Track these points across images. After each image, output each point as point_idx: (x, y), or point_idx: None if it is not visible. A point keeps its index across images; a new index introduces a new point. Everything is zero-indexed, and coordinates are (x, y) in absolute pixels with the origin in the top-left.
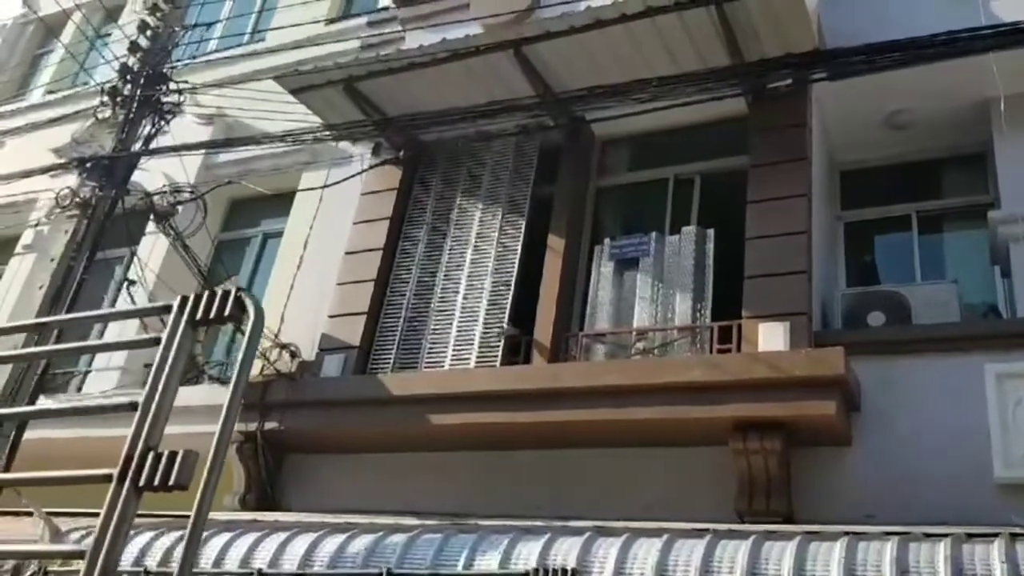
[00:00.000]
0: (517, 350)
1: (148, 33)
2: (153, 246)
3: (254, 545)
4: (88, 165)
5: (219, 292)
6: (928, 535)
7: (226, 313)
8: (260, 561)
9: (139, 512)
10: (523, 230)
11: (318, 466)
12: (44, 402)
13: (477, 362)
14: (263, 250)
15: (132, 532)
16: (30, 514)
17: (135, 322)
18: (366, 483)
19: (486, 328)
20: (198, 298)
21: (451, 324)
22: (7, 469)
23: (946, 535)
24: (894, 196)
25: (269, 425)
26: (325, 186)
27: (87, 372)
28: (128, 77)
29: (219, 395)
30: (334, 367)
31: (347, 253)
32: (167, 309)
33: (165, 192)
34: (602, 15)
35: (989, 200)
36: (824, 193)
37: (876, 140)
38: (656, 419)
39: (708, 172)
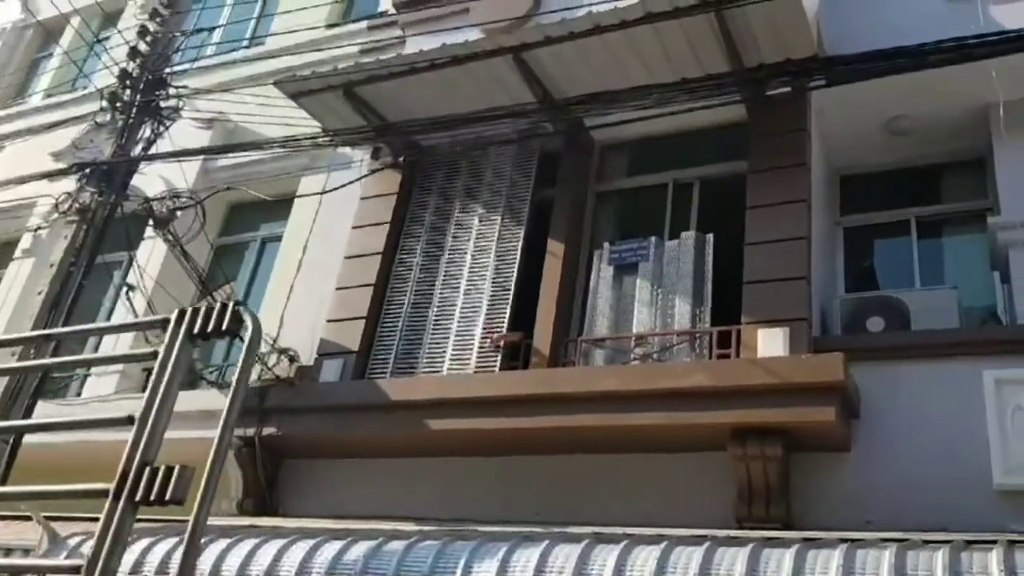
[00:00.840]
0: (516, 355)
1: (148, 38)
2: (152, 250)
3: (252, 551)
4: (87, 170)
5: (217, 305)
6: (927, 542)
7: (224, 327)
8: (258, 568)
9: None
10: (522, 235)
11: (316, 472)
12: (43, 407)
13: (476, 367)
14: (262, 255)
15: (129, 539)
16: (29, 518)
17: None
18: (365, 489)
19: (485, 333)
20: (196, 311)
21: (450, 329)
22: (6, 477)
23: (945, 542)
24: (894, 201)
25: (267, 430)
26: (323, 192)
27: (86, 376)
28: (127, 82)
29: (216, 400)
30: (333, 372)
31: (346, 257)
32: (165, 323)
33: (164, 198)
34: (602, 21)
35: (989, 205)
36: (824, 198)
37: (876, 146)
38: (654, 425)
39: (707, 177)
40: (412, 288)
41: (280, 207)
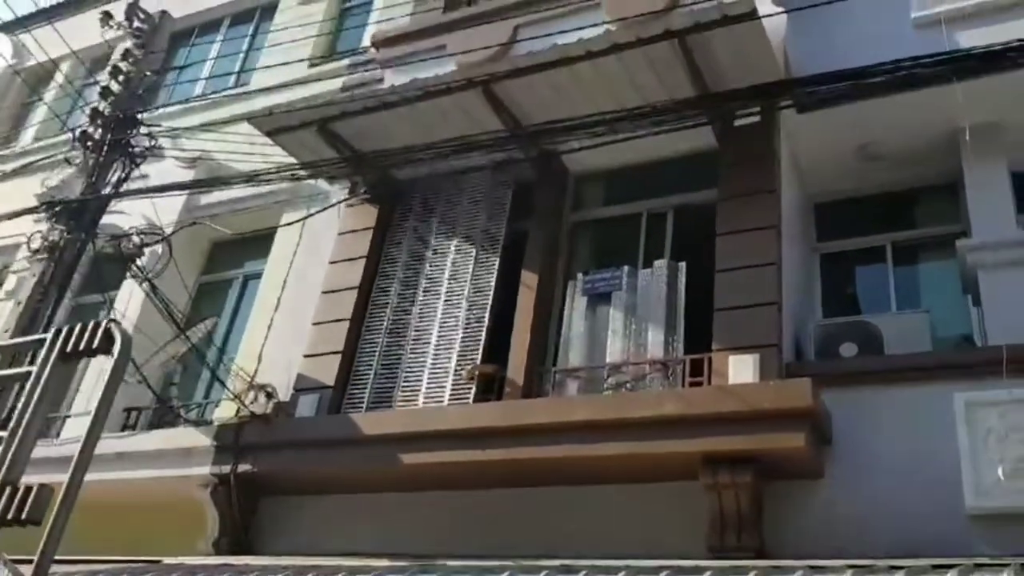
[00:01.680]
0: (491, 387)
1: (119, 78)
2: (132, 292)
3: None
4: (57, 208)
5: (90, 324)
6: (893, 567)
7: (95, 345)
8: None
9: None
10: (497, 266)
11: (293, 508)
12: None
13: (450, 399)
14: (244, 292)
15: None
16: None
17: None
18: (341, 525)
19: (459, 365)
20: (71, 331)
21: (425, 362)
22: None
23: (907, 567)
24: (869, 227)
25: (243, 467)
26: (291, 223)
27: (66, 417)
28: (99, 121)
29: (194, 438)
30: (308, 407)
31: (323, 292)
32: (41, 343)
33: (131, 234)
34: (569, 52)
35: (961, 229)
36: (798, 225)
37: (849, 171)
38: (626, 454)
39: (681, 206)
40: (388, 321)
41: (262, 245)
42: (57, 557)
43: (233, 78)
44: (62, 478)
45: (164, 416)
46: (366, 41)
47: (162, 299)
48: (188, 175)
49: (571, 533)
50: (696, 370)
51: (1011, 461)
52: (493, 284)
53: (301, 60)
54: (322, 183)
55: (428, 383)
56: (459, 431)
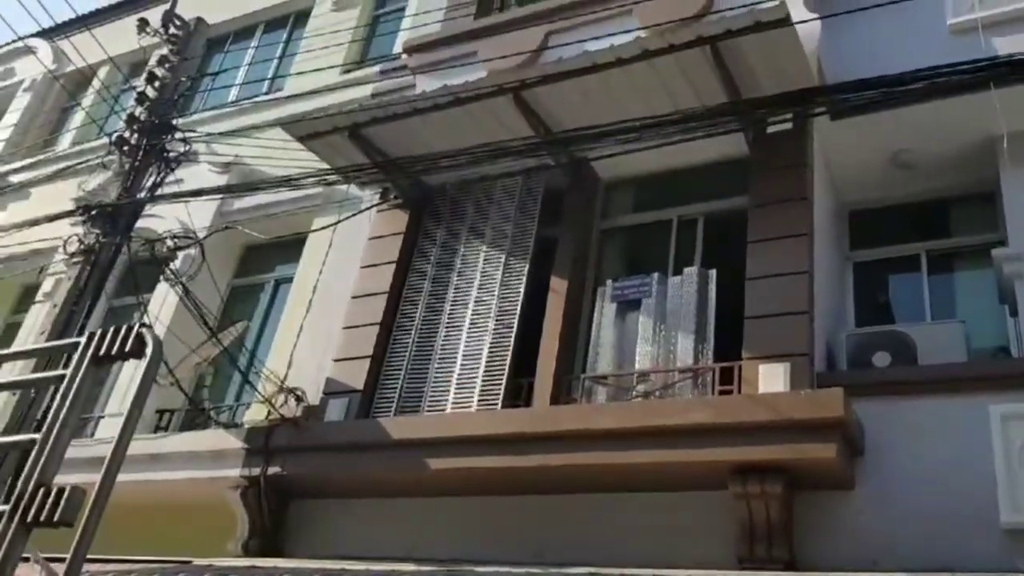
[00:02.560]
0: (519, 393)
1: (155, 84)
2: (165, 295)
3: None
4: (93, 212)
5: (123, 329)
6: None
7: (127, 349)
8: None
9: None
10: (526, 273)
11: (321, 512)
12: None
13: (479, 405)
14: (275, 296)
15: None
16: (27, 559)
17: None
18: (369, 528)
19: (488, 371)
20: (103, 335)
21: (454, 367)
22: None
23: None
24: (903, 236)
25: (272, 470)
26: (322, 228)
27: (100, 417)
28: (135, 127)
29: (226, 441)
30: (337, 411)
31: (353, 297)
32: (75, 346)
33: (165, 238)
34: (599, 59)
35: (998, 239)
36: (831, 233)
37: (883, 180)
38: (654, 463)
39: (712, 213)
40: (417, 326)
41: (294, 249)
42: (89, 556)
43: (267, 84)
44: (95, 478)
45: (195, 418)
46: (398, 47)
47: (195, 302)
48: (222, 180)
49: (599, 541)
50: (726, 378)
51: None
52: (522, 290)
53: (334, 66)
54: (353, 188)
55: (457, 388)
56: (487, 437)
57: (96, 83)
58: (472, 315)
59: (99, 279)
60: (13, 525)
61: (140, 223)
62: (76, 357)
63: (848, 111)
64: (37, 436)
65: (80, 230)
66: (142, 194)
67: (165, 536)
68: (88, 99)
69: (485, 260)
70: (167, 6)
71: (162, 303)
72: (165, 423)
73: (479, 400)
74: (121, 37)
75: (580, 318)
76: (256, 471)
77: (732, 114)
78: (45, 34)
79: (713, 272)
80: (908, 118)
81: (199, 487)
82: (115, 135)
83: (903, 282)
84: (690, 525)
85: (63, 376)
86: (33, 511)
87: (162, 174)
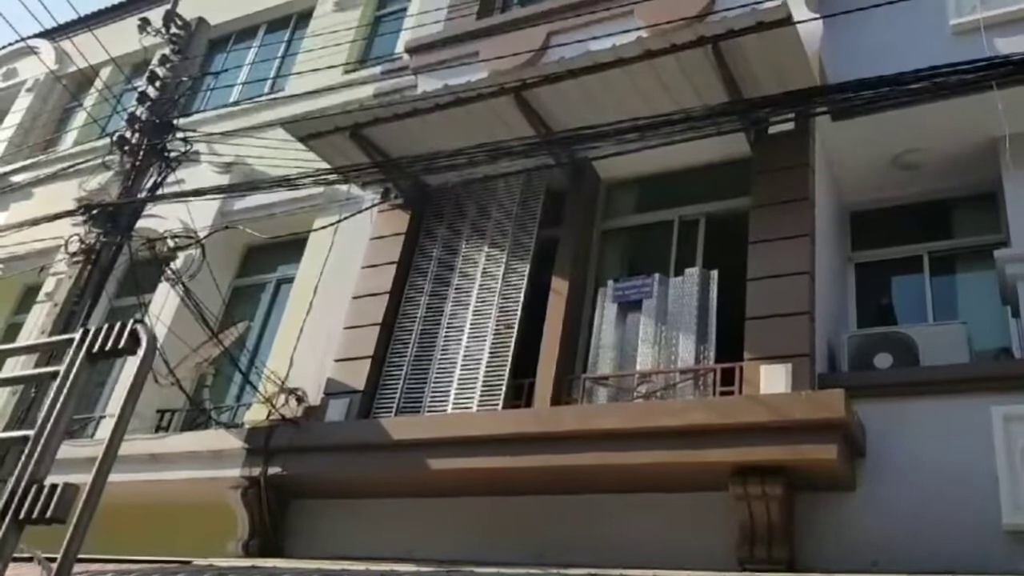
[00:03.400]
0: (520, 394)
1: (156, 84)
2: (167, 295)
3: None
4: (94, 212)
5: (117, 325)
6: None
7: (121, 345)
8: None
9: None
10: (527, 273)
11: (322, 512)
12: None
13: (479, 406)
14: (276, 296)
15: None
16: (30, 559)
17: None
18: (369, 529)
19: (489, 371)
20: (98, 331)
21: (455, 367)
22: None
23: None
24: (905, 237)
25: (273, 470)
26: (323, 227)
27: (102, 417)
28: (136, 126)
29: (226, 441)
30: (338, 411)
31: (354, 297)
32: (69, 343)
33: (165, 237)
34: (600, 59)
35: (1001, 240)
36: (833, 234)
37: (885, 181)
38: (654, 463)
39: (713, 214)
40: (418, 327)
41: (295, 249)
42: (89, 556)
43: (268, 84)
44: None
45: (196, 418)
46: (400, 48)
47: (195, 302)
48: (223, 180)
49: (599, 541)
50: (727, 379)
51: None
52: (523, 291)
53: (335, 66)
54: (355, 189)
55: (457, 389)
56: (488, 437)
57: (98, 83)
58: (473, 315)
59: (100, 279)
60: (5, 522)
61: (141, 223)
62: (70, 353)
63: (850, 111)
64: (30, 433)
65: (81, 230)
66: (143, 194)
67: (165, 536)
68: (90, 99)
69: (486, 260)
70: (169, 6)
71: (163, 303)
72: (166, 423)
73: (480, 400)
74: (123, 37)
75: (581, 319)
76: (257, 471)
77: (733, 114)
78: (47, 35)
79: (714, 273)
80: (910, 119)
81: (200, 487)
82: (116, 135)
83: (905, 283)
84: (691, 526)
85: (57, 372)
86: (26, 508)
87: (163, 174)
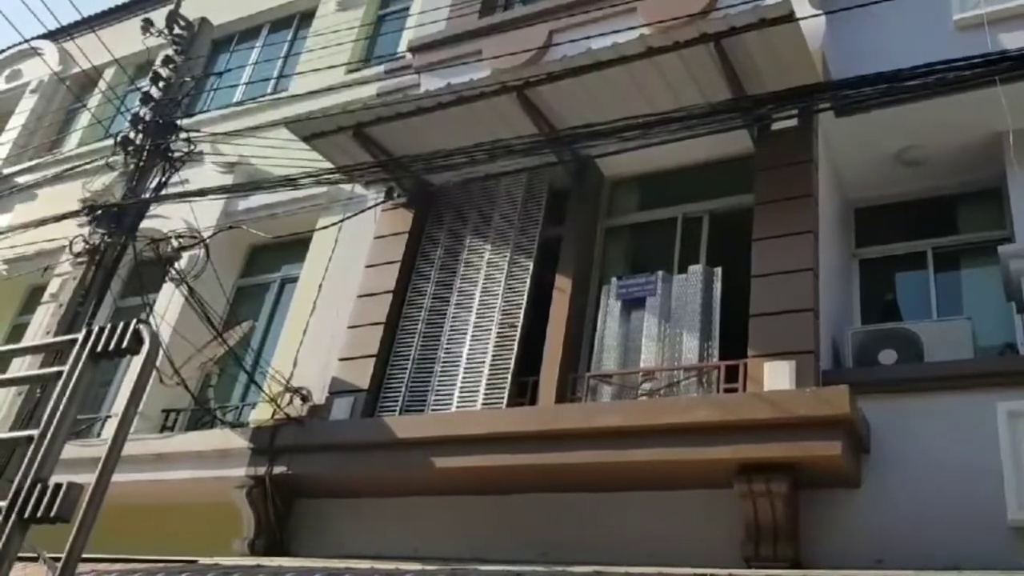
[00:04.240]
0: (524, 392)
1: (160, 84)
2: (171, 296)
3: None
4: (98, 212)
5: (120, 325)
6: None
7: (124, 345)
8: None
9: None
10: (531, 271)
11: (327, 511)
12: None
13: (483, 404)
14: (280, 295)
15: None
16: (36, 559)
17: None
18: (374, 527)
19: (493, 370)
20: (101, 331)
21: (458, 366)
22: None
23: None
24: (910, 233)
25: (278, 469)
26: (327, 227)
27: (107, 417)
28: (139, 127)
29: (231, 440)
30: (343, 410)
31: (359, 296)
32: (73, 343)
33: (169, 238)
34: (603, 56)
35: (1005, 235)
36: (837, 230)
37: (889, 177)
38: (658, 461)
39: (716, 211)
40: (422, 325)
41: (299, 249)
42: (95, 556)
43: (272, 84)
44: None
45: (201, 418)
46: (403, 47)
47: (200, 302)
48: (227, 180)
49: (603, 539)
50: (731, 376)
51: None
52: (527, 288)
53: (338, 65)
54: (358, 188)
55: (461, 387)
56: (492, 435)
57: (102, 84)
58: (477, 313)
59: (104, 279)
60: (11, 521)
61: (145, 223)
62: (74, 353)
63: (853, 108)
64: (35, 432)
65: (85, 230)
66: (147, 194)
67: (171, 536)
68: (94, 100)
69: (490, 258)
70: (172, 7)
71: (168, 303)
72: (171, 423)
73: (484, 399)
74: (126, 38)
75: (585, 316)
76: (262, 470)
77: (736, 111)
78: (51, 36)
79: (718, 270)
80: (913, 115)
81: (205, 487)
82: (120, 135)
83: (909, 279)
84: (695, 524)
85: (61, 372)
86: (30, 507)
87: (167, 174)
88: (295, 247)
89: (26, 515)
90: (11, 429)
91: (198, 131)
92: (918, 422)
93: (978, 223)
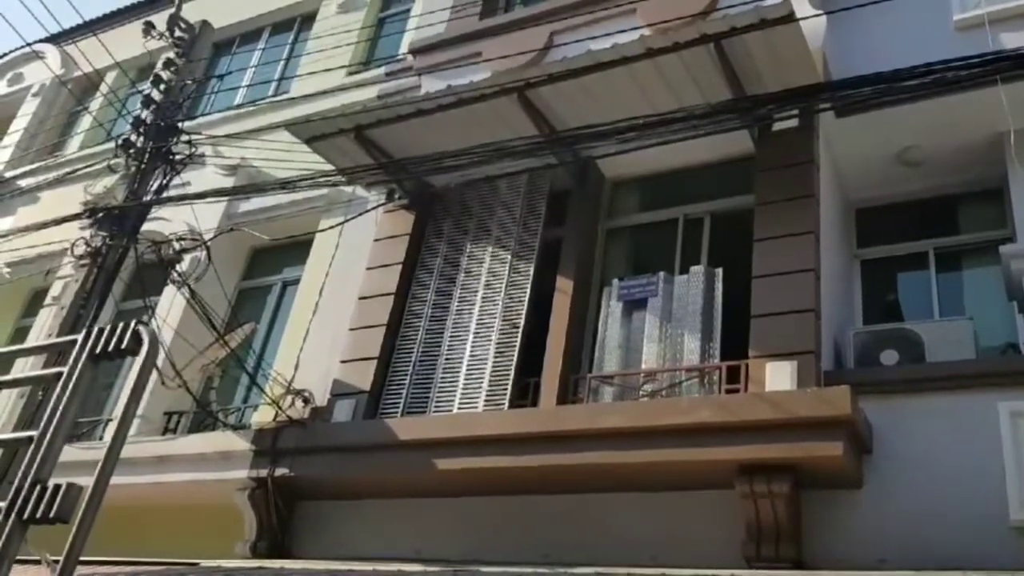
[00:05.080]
0: (526, 393)
1: (161, 87)
2: (173, 298)
3: None
4: (99, 215)
5: (119, 326)
6: None
7: (124, 346)
8: None
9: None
10: (532, 273)
11: (329, 512)
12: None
13: (485, 406)
14: (282, 298)
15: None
16: (38, 562)
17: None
18: (376, 529)
19: (495, 371)
20: (100, 332)
21: (460, 367)
22: None
23: None
24: (911, 233)
25: (280, 471)
26: (328, 228)
27: (109, 420)
28: (141, 129)
29: (233, 443)
30: (345, 412)
31: (360, 298)
32: (72, 344)
33: (171, 240)
34: (602, 58)
35: (1007, 235)
36: (838, 231)
37: (890, 177)
38: (660, 462)
39: (717, 212)
40: (424, 327)
41: (300, 251)
42: (97, 558)
43: (273, 86)
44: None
45: (203, 420)
46: (404, 49)
47: (201, 304)
48: (228, 182)
49: (605, 540)
50: (733, 377)
51: None
52: (528, 290)
53: (339, 67)
54: (359, 190)
55: (463, 388)
56: (494, 437)
57: (103, 87)
58: (478, 315)
59: (106, 281)
60: (10, 522)
61: (147, 226)
62: (73, 354)
63: (854, 108)
64: (34, 433)
65: (87, 233)
66: (148, 197)
67: (173, 538)
68: (95, 103)
69: (491, 260)
70: (173, 10)
71: (169, 306)
72: (173, 425)
73: (486, 400)
74: (128, 42)
75: (586, 318)
76: (264, 472)
77: (737, 111)
78: (53, 39)
79: (719, 271)
80: (914, 115)
81: (207, 489)
82: (121, 138)
83: (911, 280)
84: (697, 524)
85: (60, 373)
86: (30, 508)
87: (168, 177)
88: (296, 249)
89: (25, 516)
90: (14, 431)
91: (199, 134)
92: (920, 422)
93: (979, 223)
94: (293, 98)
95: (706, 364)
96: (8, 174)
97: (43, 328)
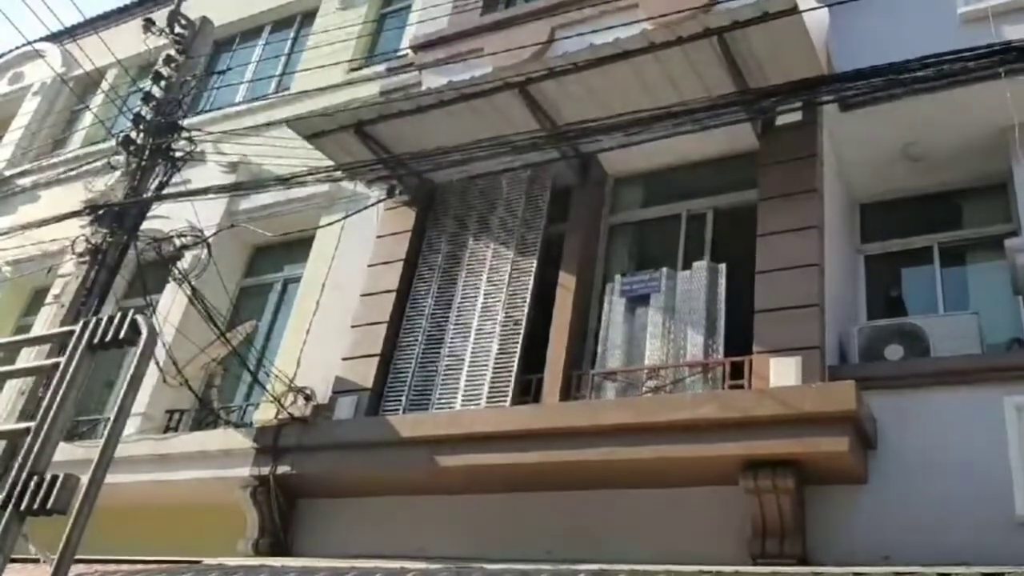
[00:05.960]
0: (528, 390)
1: (162, 84)
2: (174, 296)
3: None
4: (100, 212)
5: (117, 316)
6: (942, 575)
7: (121, 336)
8: None
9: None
10: (535, 269)
11: (331, 510)
12: (69, 449)
13: (488, 402)
14: (284, 295)
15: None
16: (37, 561)
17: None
18: (379, 527)
19: (497, 368)
20: (98, 322)
21: (462, 364)
22: None
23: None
24: (915, 228)
25: (282, 469)
26: (328, 224)
27: (109, 419)
28: (141, 127)
29: (235, 441)
30: (347, 409)
31: (362, 295)
32: (70, 334)
33: (171, 237)
34: (604, 52)
35: (1012, 229)
36: (842, 226)
37: (894, 172)
38: (664, 458)
39: (721, 207)
40: (426, 324)
41: (302, 248)
42: (99, 557)
43: (274, 83)
44: (105, 476)
45: (205, 418)
46: (405, 45)
47: (202, 301)
48: (229, 179)
49: (609, 537)
50: (737, 373)
51: None
52: (530, 286)
53: (340, 62)
54: (360, 187)
55: (465, 385)
56: (496, 434)
57: (104, 85)
58: (480, 312)
59: (106, 279)
60: (7, 514)
61: (148, 224)
62: (71, 345)
63: (857, 101)
64: (31, 424)
65: (88, 230)
66: (148, 194)
67: (175, 536)
68: (96, 101)
69: (493, 257)
70: (173, 7)
71: (171, 303)
72: (175, 423)
73: (488, 397)
74: (128, 39)
75: (589, 314)
76: (266, 470)
77: (740, 105)
78: (54, 38)
79: (723, 266)
80: (918, 109)
81: (209, 487)
82: (122, 135)
83: (915, 274)
84: (701, 521)
85: (58, 364)
86: (26, 500)
87: (168, 174)
88: (298, 247)
89: (22, 507)
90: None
91: (200, 131)
92: (925, 417)
93: (984, 217)
94: (294, 95)
95: (710, 360)
96: (8, 172)
97: (44, 326)
